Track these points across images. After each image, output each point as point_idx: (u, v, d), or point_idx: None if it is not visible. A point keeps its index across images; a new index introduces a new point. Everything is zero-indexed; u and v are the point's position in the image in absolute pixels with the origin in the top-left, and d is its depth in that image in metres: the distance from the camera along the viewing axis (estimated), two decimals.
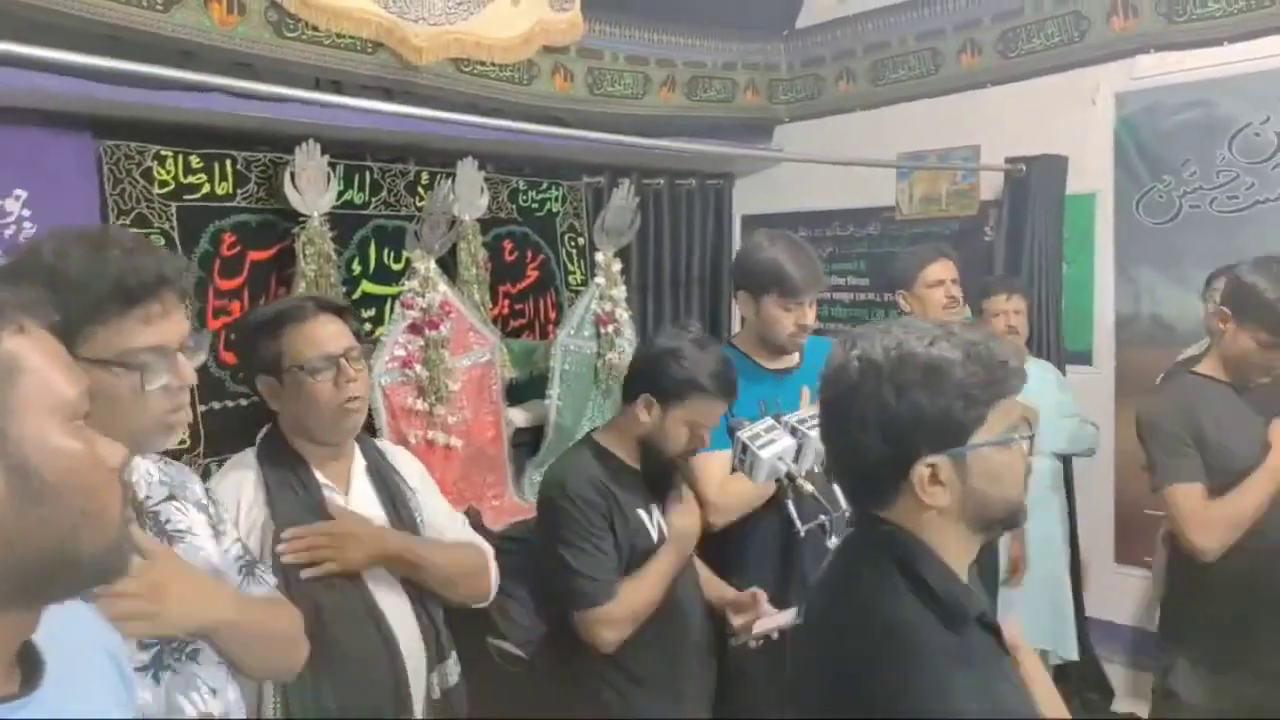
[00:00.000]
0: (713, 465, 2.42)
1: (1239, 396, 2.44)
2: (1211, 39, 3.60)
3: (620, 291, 3.95)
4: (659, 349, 2.18)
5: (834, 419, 1.28)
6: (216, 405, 3.16)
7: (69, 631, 0.92)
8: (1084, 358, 3.98)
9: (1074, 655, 3.56)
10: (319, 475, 1.92)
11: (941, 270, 3.15)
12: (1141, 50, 3.78)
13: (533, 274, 4.28)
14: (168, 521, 1.43)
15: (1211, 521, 2.31)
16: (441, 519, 2.13)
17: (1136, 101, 3.81)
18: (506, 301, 4.14)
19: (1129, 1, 3.79)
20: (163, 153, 3.10)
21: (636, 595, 2.09)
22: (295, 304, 1.95)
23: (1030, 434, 1.32)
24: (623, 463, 2.20)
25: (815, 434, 2.17)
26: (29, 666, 0.85)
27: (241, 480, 1.84)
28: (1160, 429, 2.44)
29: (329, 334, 1.90)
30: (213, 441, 3.06)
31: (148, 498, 1.42)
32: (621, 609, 2.07)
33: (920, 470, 1.21)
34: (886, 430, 1.21)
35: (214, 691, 1.41)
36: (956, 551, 1.26)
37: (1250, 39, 3.50)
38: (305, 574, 1.79)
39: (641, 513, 2.17)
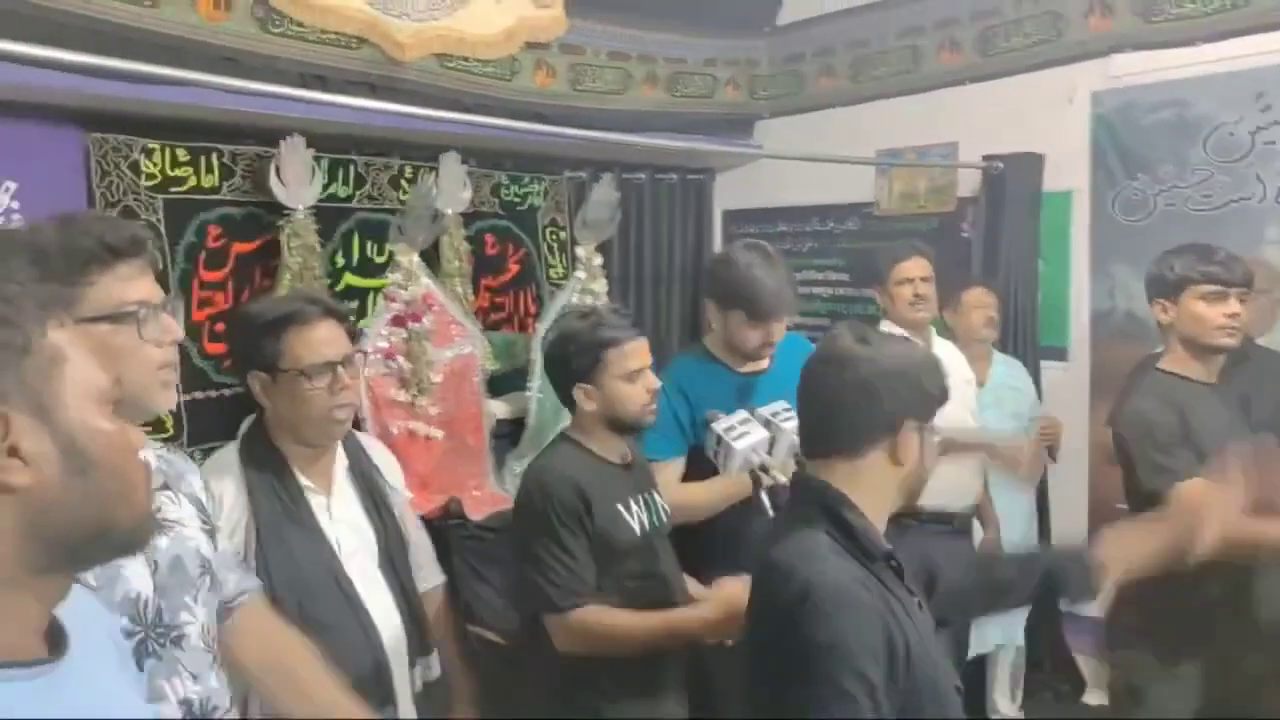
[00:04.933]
0: (663, 474, 2.43)
1: (1207, 390, 2.44)
2: (1186, 39, 3.64)
3: (601, 285, 3.99)
4: (557, 342, 2.19)
5: (834, 380, 1.52)
6: (200, 395, 3.19)
7: (81, 615, 0.99)
8: (1059, 354, 4.04)
9: (1019, 639, 3.71)
10: (300, 477, 1.94)
11: (911, 268, 3.21)
12: (1118, 50, 3.82)
13: (514, 267, 4.31)
14: (159, 510, 1.45)
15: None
16: (412, 527, 2.17)
17: (1112, 100, 3.86)
18: (487, 294, 4.17)
19: (1105, 1, 3.84)
20: (150, 145, 3.12)
21: (599, 624, 2.03)
22: (301, 306, 1.94)
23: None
24: (599, 458, 2.17)
25: (789, 426, 2.22)
26: (55, 637, 0.92)
27: (223, 481, 1.85)
28: (1156, 428, 2.37)
29: (330, 339, 1.92)
30: (197, 431, 3.09)
31: None
32: (577, 623, 2.03)
33: (908, 429, 1.51)
34: (889, 394, 1.49)
35: (195, 677, 1.43)
36: (874, 509, 1.53)
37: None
38: None
39: (620, 507, 2.14)
